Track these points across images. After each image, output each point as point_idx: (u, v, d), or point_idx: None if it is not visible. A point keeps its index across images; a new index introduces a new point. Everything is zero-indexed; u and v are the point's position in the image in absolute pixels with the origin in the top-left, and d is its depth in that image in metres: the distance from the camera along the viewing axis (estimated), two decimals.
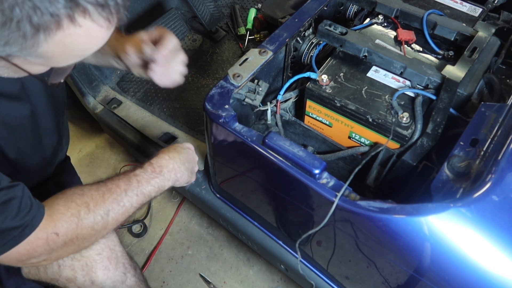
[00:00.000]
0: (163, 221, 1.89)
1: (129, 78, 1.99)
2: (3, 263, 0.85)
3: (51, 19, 0.63)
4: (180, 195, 1.94)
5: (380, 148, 1.17)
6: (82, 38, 0.68)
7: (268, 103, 1.28)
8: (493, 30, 1.26)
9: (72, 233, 0.88)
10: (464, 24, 1.29)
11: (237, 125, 1.12)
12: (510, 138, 0.94)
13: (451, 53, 1.28)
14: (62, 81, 0.83)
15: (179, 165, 1.10)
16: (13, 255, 0.82)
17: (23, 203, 0.81)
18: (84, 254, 1.06)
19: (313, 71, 1.28)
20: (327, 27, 1.26)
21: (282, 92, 1.29)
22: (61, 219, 0.86)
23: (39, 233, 0.83)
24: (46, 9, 0.62)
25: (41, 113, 1.02)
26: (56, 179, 1.27)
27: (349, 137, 1.27)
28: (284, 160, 1.05)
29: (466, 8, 1.40)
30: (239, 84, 1.19)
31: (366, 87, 1.22)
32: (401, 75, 1.22)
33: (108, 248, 1.10)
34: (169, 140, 1.70)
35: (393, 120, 1.15)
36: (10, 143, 0.95)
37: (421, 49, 1.31)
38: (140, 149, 1.73)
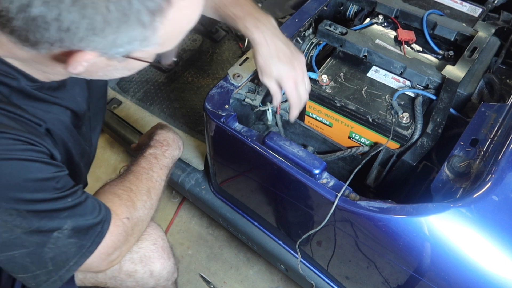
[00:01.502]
0: (163, 221, 1.89)
1: (129, 78, 1.99)
2: (92, 267, 0.85)
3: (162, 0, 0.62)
4: (180, 195, 1.94)
5: (380, 148, 1.17)
6: (187, 9, 0.67)
7: (268, 103, 1.28)
8: (493, 30, 1.26)
9: (135, 216, 0.91)
10: (464, 24, 1.29)
11: (237, 125, 1.12)
12: (510, 138, 0.94)
13: (451, 53, 1.28)
14: (174, 59, 0.81)
15: (174, 134, 1.17)
16: (102, 251, 0.83)
17: (93, 201, 0.82)
18: (141, 246, 1.06)
19: (313, 71, 1.28)
20: (327, 27, 1.26)
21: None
22: (123, 204, 0.89)
23: (116, 221, 0.85)
24: None
25: (92, 105, 1.02)
26: None
27: (349, 137, 1.27)
28: (284, 160, 1.05)
29: (466, 8, 1.40)
30: (239, 84, 1.19)
31: (366, 87, 1.22)
32: (401, 75, 1.22)
33: (160, 238, 1.11)
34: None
35: (393, 120, 1.15)
36: (76, 144, 0.95)
37: (421, 49, 1.31)
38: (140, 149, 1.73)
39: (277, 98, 1.10)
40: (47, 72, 0.78)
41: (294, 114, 1.12)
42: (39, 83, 0.79)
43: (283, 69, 1.01)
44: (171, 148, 1.12)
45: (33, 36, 0.61)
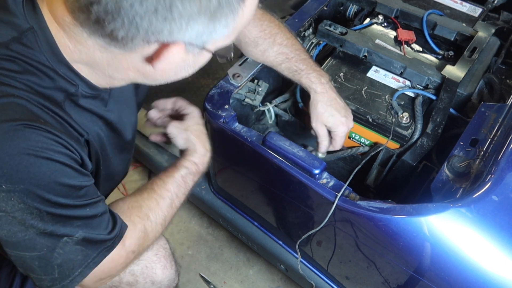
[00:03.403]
0: None
1: None
2: (84, 284, 0.82)
3: None
4: None
5: (380, 148, 1.17)
6: (254, 2, 0.69)
7: (268, 103, 1.28)
8: (493, 30, 1.26)
9: (143, 247, 0.88)
10: (464, 24, 1.29)
11: (237, 125, 1.12)
12: (510, 138, 0.94)
13: (451, 53, 1.28)
14: (232, 55, 0.79)
15: (209, 157, 1.08)
16: (97, 273, 0.79)
17: (110, 219, 0.80)
18: (143, 257, 1.03)
19: None
20: (327, 27, 1.26)
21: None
22: (133, 236, 0.85)
23: (120, 251, 0.82)
24: None
25: (132, 110, 1.01)
26: None
27: (349, 137, 1.27)
28: (284, 160, 1.05)
29: (466, 8, 1.40)
30: (239, 84, 1.19)
31: (366, 87, 1.22)
32: (401, 75, 1.22)
33: (162, 247, 1.09)
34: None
35: (393, 120, 1.15)
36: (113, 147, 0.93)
37: (421, 49, 1.31)
38: (140, 149, 1.73)
39: (324, 143, 1.15)
40: (114, 78, 0.78)
41: (325, 151, 1.18)
42: (96, 92, 0.79)
43: (338, 118, 1.10)
44: (201, 174, 1.05)
45: (126, 33, 0.63)
